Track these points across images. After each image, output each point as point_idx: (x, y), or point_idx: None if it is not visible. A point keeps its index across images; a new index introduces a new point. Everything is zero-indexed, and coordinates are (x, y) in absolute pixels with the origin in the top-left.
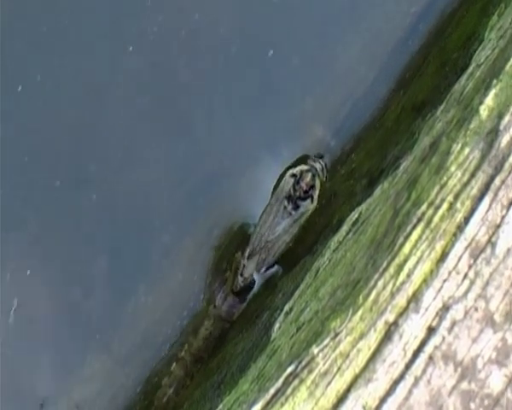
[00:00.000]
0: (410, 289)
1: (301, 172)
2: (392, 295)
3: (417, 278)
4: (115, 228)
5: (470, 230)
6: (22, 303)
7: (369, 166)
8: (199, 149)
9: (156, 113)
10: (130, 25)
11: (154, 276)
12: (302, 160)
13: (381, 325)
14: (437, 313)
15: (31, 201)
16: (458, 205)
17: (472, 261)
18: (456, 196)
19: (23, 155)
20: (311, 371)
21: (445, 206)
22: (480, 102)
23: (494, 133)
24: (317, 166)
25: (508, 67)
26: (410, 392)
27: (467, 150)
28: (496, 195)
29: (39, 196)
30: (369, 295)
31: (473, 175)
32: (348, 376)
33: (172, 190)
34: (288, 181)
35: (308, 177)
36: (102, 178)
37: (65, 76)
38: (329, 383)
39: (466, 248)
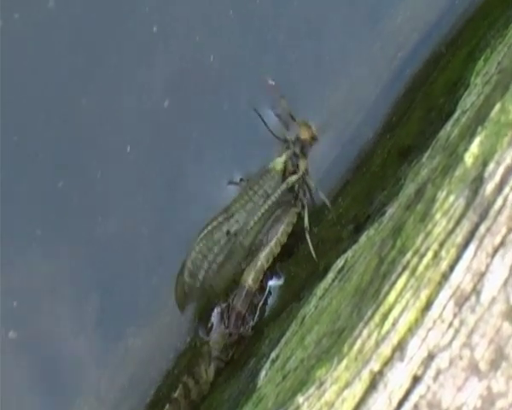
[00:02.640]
0: (394, 338)
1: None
2: (377, 343)
3: (402, 327)
4: (103, 270)
5: (455, 278)
6: (12, 339)
7: (355, 211)
8: (187, 194)
9: (145, 160)
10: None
11: (142, 318)
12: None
13: (366, 374)
14: (422, 362)
15: (21, 243)
16: (443, 253)
17: (457, 310)
18: (441, 244)
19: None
20: None
21: (429, 254)
22: (465, 150)
23: (479, 181)
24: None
25: (493, 114)
26: None
27: (452, 198)
28: (481, 242)
29: (26, 239)
30: (354, 343)
31: (458, 223)
32: None
33: (161, 232)
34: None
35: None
36: (90, 219)
37: (49, 127)
38: None
39: (451, 296)
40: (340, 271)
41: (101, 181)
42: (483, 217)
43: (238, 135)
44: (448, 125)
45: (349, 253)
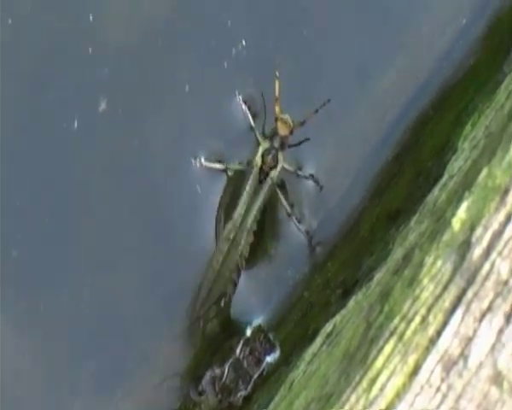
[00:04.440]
0: (382, 403)
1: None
2: (365, 409)
3: (390, 392)
4: (91, 334)
5: (443, 343)
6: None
7: (344, 275)
8: (176, 256)
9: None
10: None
11: (131, 381)
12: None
13: None
14: None
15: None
16: (431, 318)
17: (444, 374)
18: (429, 309)
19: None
20: None
21: (417, 319)
22: (453, 215)
23: (466, 245)
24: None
25: (480, 179)
26: None
27: (439, 263)
28: (468, 307)
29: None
30: (341, 409)
31: (445, 288)
32: None
33: (149, 295)
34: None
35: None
36: (78, 281)
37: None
38: None
39: (438, 361)
40: (328, 335)
41: (92, 243)
42: (470, 282)
43: None
44: (436, 190)
45: (337, 317)
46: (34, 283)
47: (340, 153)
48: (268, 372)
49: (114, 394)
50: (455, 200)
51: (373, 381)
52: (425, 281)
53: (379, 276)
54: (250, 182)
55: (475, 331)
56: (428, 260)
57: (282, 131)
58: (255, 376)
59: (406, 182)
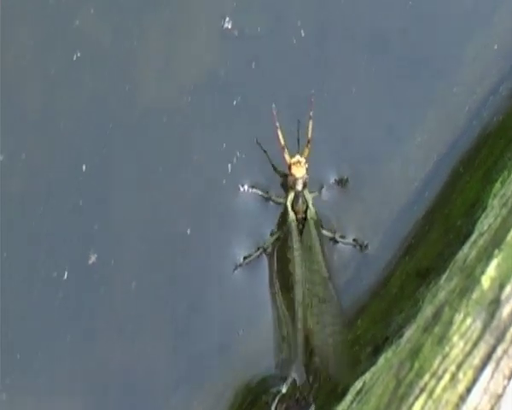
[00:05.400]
0: None
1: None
2: None
3: None
4: (123, 392)
5: (472, 400)
6: None
7: (373, 332)
8: (209, 316)
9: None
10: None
11: None
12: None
13: None
14: None
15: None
16: (460, 375)
17: None
18: (459, 367)
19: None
20: None
21: (447, 376)
22: (482, 272)
23: (496, 303)
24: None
25: (509, 237)
26: None
27: (469, 320)
28: (498, 364)
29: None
30: None
31: (475, 345)
32: None
33: (180, 351)
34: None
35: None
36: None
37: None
38: None
39: None
40: (358, 393)
41: (118, 301)
42: (500, 339)
43: None
44: (465, 248)
45: (367, 375)
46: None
47: (370, 211)
48: None
49: None
50: (484, 257)
51: None
52: (455, 338)
53: (409, 333)
54: (294, 239)
55: (505, 388)
56: (458, 317)
57: (300, 173)
58: None
59: (436, 240)
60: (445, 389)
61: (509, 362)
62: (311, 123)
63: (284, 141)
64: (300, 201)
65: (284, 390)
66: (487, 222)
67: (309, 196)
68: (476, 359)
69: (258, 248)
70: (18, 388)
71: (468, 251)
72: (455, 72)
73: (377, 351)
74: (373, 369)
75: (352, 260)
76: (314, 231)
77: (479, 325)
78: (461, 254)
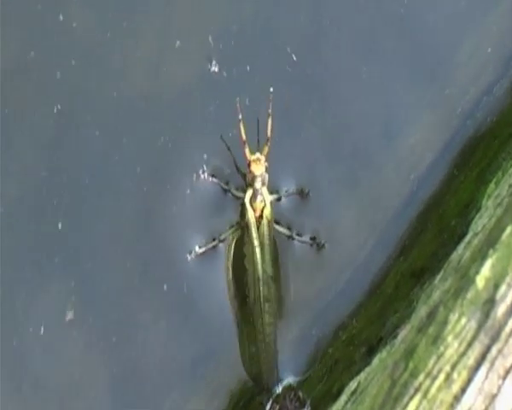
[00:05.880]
0: None
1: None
2: None
3: None
4: (114, 398)
5: (467, 400)
6: None
7: (368, 333)
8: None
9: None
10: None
11: None
12: None
13: None
14: None
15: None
16: (455, 375)
17: None
18: (453, 367)
19: None
20: None
21: (441, 376)
22: (477, 272)
23: (490, 303)
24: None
25: (504, 237)
26: None
27: (463, 320)
28: (492, 364)
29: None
30: None
31: (469, 345)
32: None
33: (171, 360)
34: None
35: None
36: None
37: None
38: None
39: None
40: (352, 393)
41: (114, 313)
42: (494, 339)
43: None
44: (460, 248)
45: (362, 375)
46: None
47: (365, 211)
48: None
49: None
50: (479, 258)
51: None
52: (449, 338)
53: (403, 333)
54: (253, 235)
55: (499, 388)
56: (453, 317)
57: (258, 170)
58: None
59: (430, 240)
60: (439, 390)
61: (504, 362)
62: (270, 121)
63: (246, 136)
64: (258, 199)
65: (278, 391)
66: (481, 222)
67: (267, 195)
68: (471, 359)
69: (214, 239)
70: None
71: (462, 251)
72: (448, 73)
73: (372, 351)
74: (367, 369)
75: (347, 261)
76: (266, 230)
77: (473, 324)
78: (455, 255)
